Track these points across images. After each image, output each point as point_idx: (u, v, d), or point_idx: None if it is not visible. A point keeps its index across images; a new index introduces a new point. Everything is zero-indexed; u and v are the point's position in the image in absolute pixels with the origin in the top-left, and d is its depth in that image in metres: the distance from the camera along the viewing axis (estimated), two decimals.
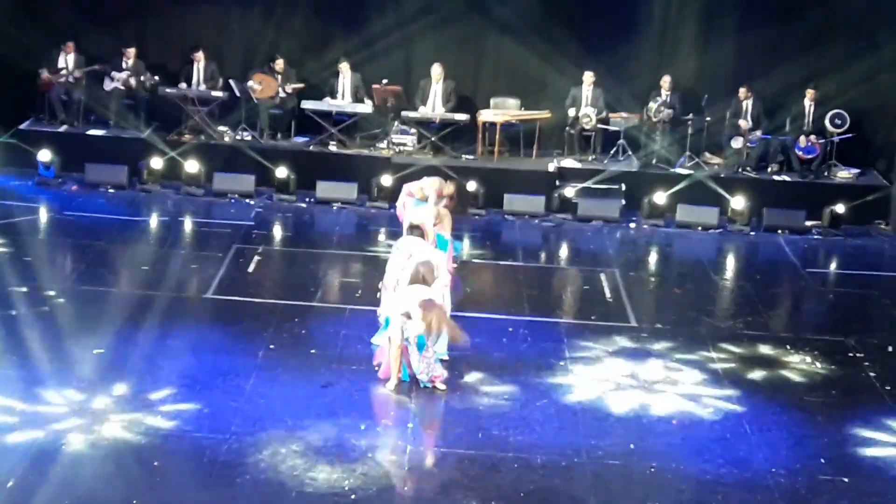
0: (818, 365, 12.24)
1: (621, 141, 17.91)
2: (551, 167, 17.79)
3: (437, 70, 18.02)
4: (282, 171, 17.20)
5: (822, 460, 10.16)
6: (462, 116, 17.99)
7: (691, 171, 17.73)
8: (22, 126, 17.83)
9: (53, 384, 10.59)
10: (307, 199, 17.28)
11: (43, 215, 16.01)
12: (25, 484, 8.93)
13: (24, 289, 12.89)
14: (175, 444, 9.72)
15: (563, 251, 16.16)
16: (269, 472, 9.42)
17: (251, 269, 14.36)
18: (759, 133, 17.89)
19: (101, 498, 8.76)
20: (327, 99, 18.10)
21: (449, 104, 18.05)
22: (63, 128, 17.99)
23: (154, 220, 16.23)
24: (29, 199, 16.41)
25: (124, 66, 18.04)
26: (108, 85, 18.10)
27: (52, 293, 12.90)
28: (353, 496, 9.12)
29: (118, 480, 9.11)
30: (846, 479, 9.86)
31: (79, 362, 11.05)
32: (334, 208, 17.11)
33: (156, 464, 9.42)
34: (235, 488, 9.18)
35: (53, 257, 14.41)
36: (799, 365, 12.21)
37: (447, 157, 17.81)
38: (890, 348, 12.74)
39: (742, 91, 17.87)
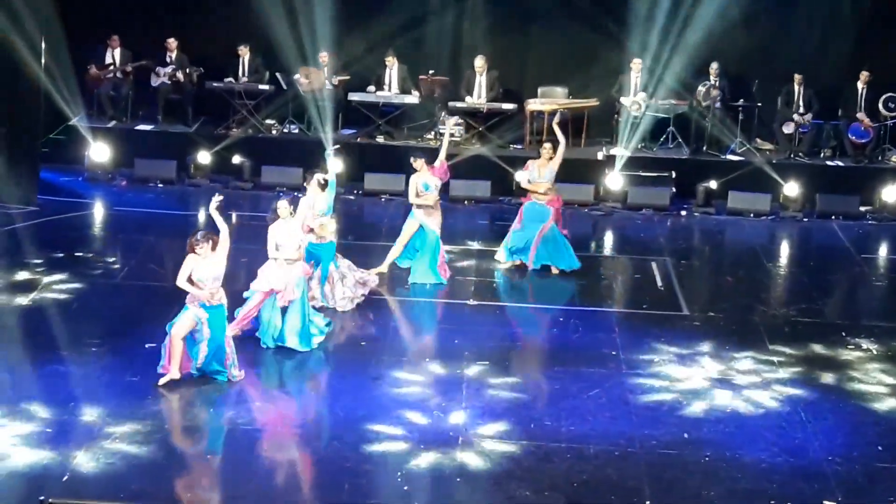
0: (874, 351, 12.08)
1: (670, 128, 17.75)
2: (600, 155, 17.66)
3: (479, 62, 17.93)
4: (337, 166, 17.14)
5: (879, 447, 10.02)
6: (509, 106, 17.90)
7: (742, 158, 17.56)
8: (71, 122, 17.93)
9: (106, 378, 10.64)
10: (355, 191, 17.26)
11: (93, 211, 16.09)
12: (79, 479, 8.95)
13: (76, 283, 12.99)
14: (229, 437, 9.73)
15: (614, 240, 16.05)
16: (325, 461, 9.42)
17: None
18: (810, 117, 17.67)
19: (151, 492, 8.78)
20: (373, 89, 18.05)
21: (492, 93, 17.96)
22: (111, 123, 18.07)
23: (203, 215, 16.27)
24: (79, 195, 16.49)
25: (168, 59, 18.10)
26: (155, 81, 18.17)
27: (102, 289, 12.99)
28: (405, 487, 9.09)
29: (168, 473, 9.13)
30: None
31: (130, 356, 11.09)
32: (382, 200, 17.08)
33: (208, 457, 9.42)
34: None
35: (104, 252, 14.48)
36: (854, 352, 12.05)
37: (494, 147, 17.73)
38: None
39: (797, 77, 17.63)
